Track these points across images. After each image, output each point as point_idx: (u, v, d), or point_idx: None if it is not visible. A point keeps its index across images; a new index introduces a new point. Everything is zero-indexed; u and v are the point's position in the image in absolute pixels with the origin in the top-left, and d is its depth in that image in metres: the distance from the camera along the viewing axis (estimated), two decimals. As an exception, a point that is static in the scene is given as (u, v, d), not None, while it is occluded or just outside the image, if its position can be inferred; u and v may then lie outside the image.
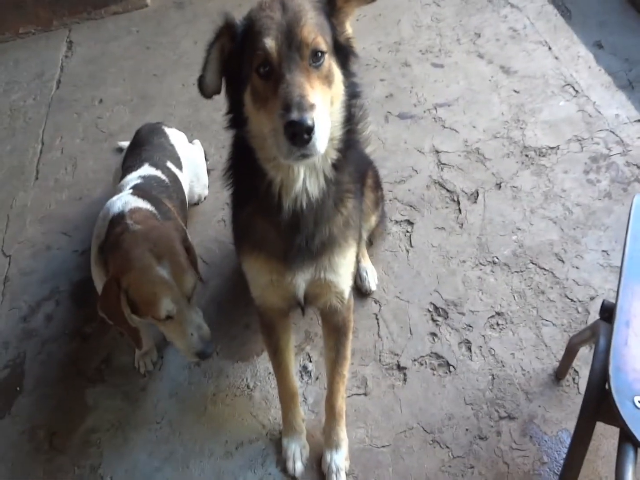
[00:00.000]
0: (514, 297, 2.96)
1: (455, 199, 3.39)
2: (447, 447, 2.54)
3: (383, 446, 2.55)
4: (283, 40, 1.61)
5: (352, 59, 1.82)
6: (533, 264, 3.06)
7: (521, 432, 2.55)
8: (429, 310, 2.95)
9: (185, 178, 3.17)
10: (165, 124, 3.38)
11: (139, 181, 2.82)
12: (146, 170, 2.92)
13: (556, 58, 4.11)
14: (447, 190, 3.44)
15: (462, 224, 3.27)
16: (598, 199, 3.29)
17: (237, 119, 1.82)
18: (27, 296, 3.28)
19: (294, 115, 1.51)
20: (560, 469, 2.42)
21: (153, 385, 2.81)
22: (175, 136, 3.31)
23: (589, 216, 3.22)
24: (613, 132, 3.59)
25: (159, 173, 2.92)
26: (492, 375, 2.72)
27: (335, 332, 2.37)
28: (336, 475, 2.43)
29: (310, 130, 1.53)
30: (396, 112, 3.92)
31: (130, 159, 3.06)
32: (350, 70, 1.81)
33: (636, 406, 1.58)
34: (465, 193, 3.41)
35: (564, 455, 2.43)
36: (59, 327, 3.10)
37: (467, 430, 2.58)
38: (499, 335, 2.84)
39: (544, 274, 3.02)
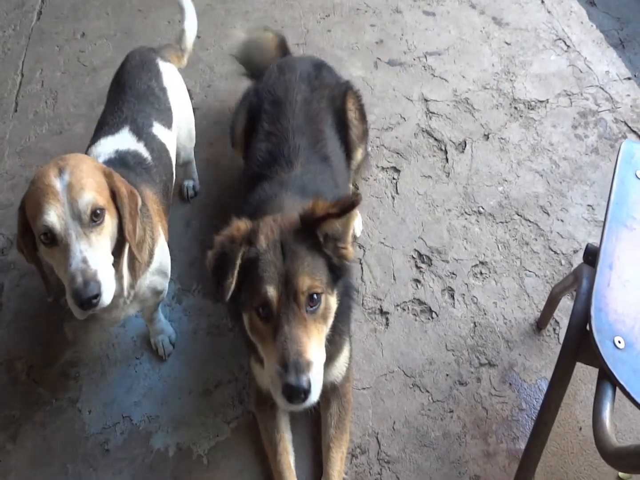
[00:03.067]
0: (498, 247, 2.95)
1: (443, 148, 3.36)
2: (427, 391, 2.56)
3: (364, 388, 2.56)
4: (282, 289, 1.72)
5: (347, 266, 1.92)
6: (518, 215, 3.06)
7: (501, 379, 2.57)
8: (413, 257, 2.94)
9: (173, 138, 2.71)
10: (160, 55, 2.84)
11: (112, 157, 2.33)
12: (124, 140, 2.42)
13: (549, 12, 4.07)
14: (435, 139, 3.41)
15: (448, 173, 3.25)
16: (585, 154, 3.29)
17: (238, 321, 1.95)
18: (4, 229, 3.19)
19: (292, 379, 1.63)
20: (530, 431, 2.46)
21: (133, 321, 2.77)
22: (170, 76, 2.79)
23: (576, 170, 3.22)
24: (602, 89, 3.58)
25: (140, 147, 2.43)
26: (474, 322, 2.73)
27: (335, 406, 2.37)
28: None
29: (306, 392, 1.65)
30: (386, 59, 3.86)
31: (109, 108, 2.60)
32: (344, 274, 1.92)
33: (616, 346, 1.59)
34: (453, 142, 3.38)
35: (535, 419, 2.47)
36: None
37: (447, 375, 2.59)
38: (482, 284, 2.84)
39: (529, 226, 3.02)
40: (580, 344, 1.79)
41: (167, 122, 2.66)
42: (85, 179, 1.85)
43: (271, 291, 1.71)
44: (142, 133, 2.48)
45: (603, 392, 1.60)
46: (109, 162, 2.26)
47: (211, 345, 2.74)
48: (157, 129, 2.57)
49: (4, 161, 3.51)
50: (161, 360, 2.70)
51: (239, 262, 1.77)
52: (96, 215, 1.84)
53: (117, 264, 2.00)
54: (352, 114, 2.87)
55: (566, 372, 1.87)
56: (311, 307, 1.75)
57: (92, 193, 1.84)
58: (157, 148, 2.52)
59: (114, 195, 1.95)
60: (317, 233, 1.81)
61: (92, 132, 3.36)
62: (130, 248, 2.01)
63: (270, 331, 1.74)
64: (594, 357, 1.63)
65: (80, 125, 3.63)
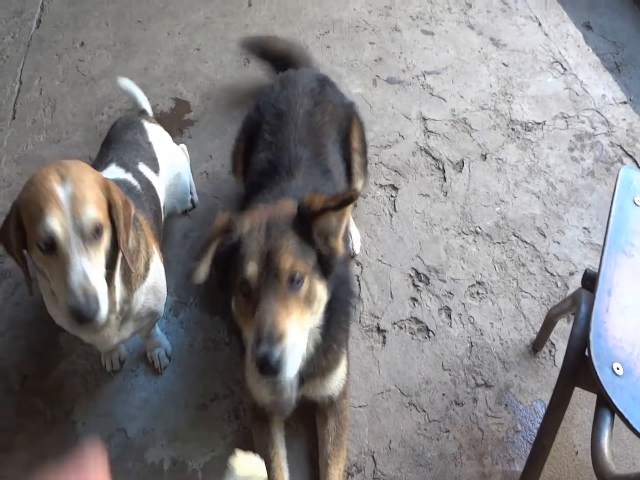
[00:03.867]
0: (495, 267, 2.97)
1: (441, 167, 3.38)
2: (424, 410, 2.56)
3: (360, 406, 2.56)
4: (263, 266, 1.72)
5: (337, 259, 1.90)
6: (515, 236, 3.08)
7: (497, 400, 2.58)
8: (411, 275, 2.95)
9: (161, 183, 2.72)
10: (146, 118, 2.97)
11: None
12: (113, 172, 2.45)
13: (546, 34, 4.11)
14: (433, 158, 3.42)
15: (446, 192, 3.27)
16: (581, 176, 3.31)
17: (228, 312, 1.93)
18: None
19: (263, 349, 1.62)
20: (533, 437, 2.46)
21: (129, 333, 2.75)
22: (155, 133, 2.87)
23: (572, 193, 3.25)
24: (599, 112, 3.61)
25: (129, 177, 2.46)
26: (471, 342, 2.73)
27: (332, 422, 2.37)
28: None
29: (277, 363, 1.63)
30: (384, 77, 3.88)
31: (98, 158, 2.66)
32: (334, 267, 1.89)
33: (615, 372, 1.60)
34: (451, 162, 3.40)
35: (538, 425, 2.47)
36: (33, 270, 3.01)
37: (443, 395, 2.60)
38: (479, 304, 2.85)
39: (525, 247, 3.04)
40: (579, 369, 1.80)
41: (154, 168, 2.69)
42: (87, 192, 1.83)
43: (252, 266, 1.72)
44: (128, 167, 2.51)
45: (601, 419, 1.61)
46: None
47: (207, 359, 2.73)
48: (143, 168, 2.60)
49: (0, 168, 3.50)
50: (157, 373, 2.69)
51: (211, 249, 1.79)
52: (97, 231, 1.83)
53: (110, 276, 1.98)
54: (355, 145, 2.88)
55: (564, 397, 1.88)
56: (293, 286, 1.74)
57: (95, 209, 1.83)
58: (145, 182, 2.54)
59: (109, 206, 1.93)
60: (312, 226, 1.81)
61: (90, 142, 3.40)
62: (124, 258, 1.99)
63: (250, 308, 1.73)
64: (592, 382, 1.64)
65: (79, 134, 3.63)
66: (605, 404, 1.61)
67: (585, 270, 2.01)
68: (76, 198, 1.79)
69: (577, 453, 2.31)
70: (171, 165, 2.87)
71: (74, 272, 1.75)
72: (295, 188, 2.33)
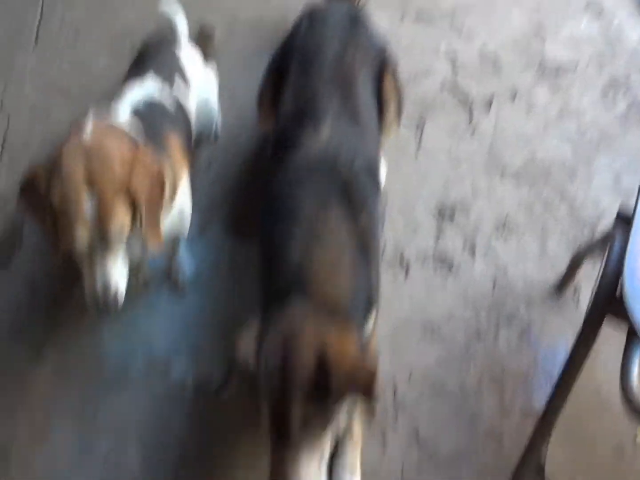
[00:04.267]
0: (521, 208, 2.94)
1: (468, 106, 3.31)
2: (445, 344, 2.57)
3: (382, 336, 2.55)
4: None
5: None
6: (543, 178, 3.04)
7: (519, 337, 2.59)
8: (435, 212, 2.93)
9: (192, 104, 2.65)
10: (179, 35, 2.86)
11: (139, 108, 2.22)
12: (151, 82, 2.36)
13: (581, -25, 3.99)
14: (461, 96, 3.36)
15: (473, 131, 3.22)
16: (614, 121, 3.25)
17: None
18: (27, 161, 3.15)
19: None
20: (553, 375, 2.46)
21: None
22: (188, 52, 2.80)
23: (603, 138, 3.19)
24: (634, 56, 3.52)
25: (164, 93, 2.37)
26: (494, 280, 2.73)
27: None
28: None
29: None
30: (413, 12, 3.77)
31: (134, 69, 2.58)
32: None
33: None
34: (479, 101, 3.33)
35: (559, 363, 2.46)
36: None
37: (466, 330, 2.61)
38: (504, 243, 2.84)
39: (553, 190, 3.00)
40: (609, 305, 1.78)
41: (186, 88, 2.62)
42: (114, 201, 1.80)
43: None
44: (166, 77, 2.46)
45: (631, 352, 1.60)
46: (136, 114, 2.18)
47: (231, 281, 2.75)
48: (179, 84, 2.54)
49: (25, 94, 3.46)
50: (181, 293, 2.72)
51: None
52: (120, 234, 1.85)
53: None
54: (389, 96, 2.73)
55: (592, 333, 1.86)
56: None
57: (121, 220, 1.83)
58: (178, 103, 2.48)
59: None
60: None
61: (115, 68, 3.33)
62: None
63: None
64: (622, 319, 1.63)
65: (102, 61, 3.55)
66: (636, 336, 1.60)
67: (619, 208, 1.97)
68: (102, 212, 1.78)
69: (599, 391, 2.32)
70: (201, 86, 2.81)
71: (96, 279, 1.84)
72: (323, 148, 2.20)
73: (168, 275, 2.74)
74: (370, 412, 1.71)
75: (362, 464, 2.29)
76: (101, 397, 2.51)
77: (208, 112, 2.97)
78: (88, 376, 2.56)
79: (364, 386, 1.65)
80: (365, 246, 2.07)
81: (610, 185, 3.01)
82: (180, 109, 2.50)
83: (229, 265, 2.80)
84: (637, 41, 3.59)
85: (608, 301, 1.78)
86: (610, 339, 2.40)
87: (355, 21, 2.73)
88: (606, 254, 1.88)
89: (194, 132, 2.68)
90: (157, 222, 2.01)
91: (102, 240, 1.80)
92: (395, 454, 2.38)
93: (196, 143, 2.87)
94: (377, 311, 2.13)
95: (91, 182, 1.78)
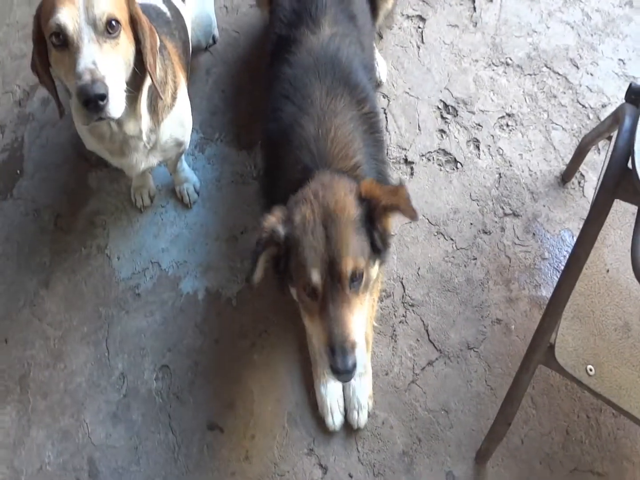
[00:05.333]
0: (526, 99, 2.89)
1: (471, -3, 3.23)
2: (452, 239, 2.59)
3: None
4: (326, 273, 1.73)
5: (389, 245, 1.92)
6: (547, 67, 2.97)
7: (524, 229, 2.59)
8: (439, 107, 2.89)
9: (188, 14, 2.65)
10: None
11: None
12: None
13: None
14: (463, -13, 3.26)
15: (476, 23, 3.13)
16: (619, 6, 3.14)
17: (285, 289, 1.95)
18: (20, 80, 3.16)
19: (339, 364, 1.72)
20: (560, 265, 2.49)
21: (157, 170, 2.75)
22: None
23: (608, 23, 3.10)
24: (640, -60, 3.39)
25: (159, 2, 2.37)
26: (499, 173, 2.71)
27: None
28: (358, 412, 2.31)
29: (352, 369, 1.74)
30: None
31: None
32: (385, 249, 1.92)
33: None
34: (481, -9, 3.24)
35: (565, 253, 2.49)
36: (56, 112, 3.00)
37: (471, 224, 2.61)
38: (508, 135, 2.80)
39: (557, 79, 2.94)
40: (620, 182, 1.77)
41: None
42: None
43: (315, 276, 1.73)
44: None
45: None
46: None
47: (235, 193, 2.76)
48: None
49: (13, 11, 3.41)
50: (186, 208, 2.74)
51: (262, 259, 1.84)
52: (111, 27, 1.77)
53: (134, 100, 1.97)
54: None
55: (604, 208, 1.85)
56: (353, 283, 1.76)
57: (111, 3, 1.78)
58: (174, 9, 2.46)
59: (133, 23, 1.88)
60: (376, 217, 1.81)
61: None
62: (152, 84, 1.96)
63: (316, 308, 1.78)
64: (634, 193, 1.62)
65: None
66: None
67: (630, 84, 1.92)
68: None
69: (608, 271, 2.32)
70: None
71: (82, 57, 1.71)
72: (322, 47, 2.22)
73: (175, 191, 2.77)
74: (412, 216, 1.79)
75: (373, 364, 2.37)
76: (113, 317, 2.58)
77: (205, 19, 2.92)
78: (99, 297, 2.62)
79: (399, 198, 1.78)
80: (372, 130, 2.15)
81: (615, 71, 2.94)
82: (178, 16, 2.47)
83: (231, 178, 2.81)
84: None
85: (619, 175, 1.77)
86: (616, 224, 2.43)
87: None
88: (617, 129, 1.86)
89: (191, 40, 2.65)
90: (157, 67, 1.98)
91: (90, 23, 1.74)
92: (406, 351, 2.43)
93: (194, 50, 2.84)
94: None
95: None
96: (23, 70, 3.18)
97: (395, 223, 2.58)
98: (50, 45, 1.77)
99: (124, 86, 1.85)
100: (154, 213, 2.74)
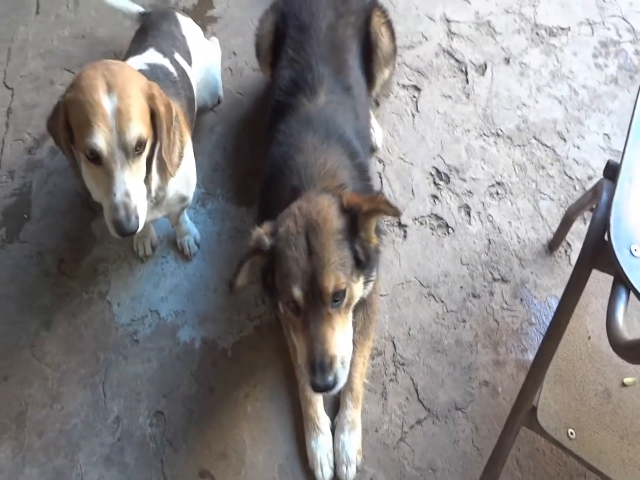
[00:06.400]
0: (515, 169, 3.03)
1: (463, 69, 3.39)
2: (442, 301, 2.68)
3: (381, 295, 2.67)
4: (308, 289, 1.80)
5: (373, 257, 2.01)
6: (535, 139, 3.12)
7: (512, 294, 2.69)
8: (432, 174, 3.02)
9: (194, 76, 2.78)
10: (179, 11, 3.03)
11: (144, 68, 2.36)
12: (152, 56, 2.50)
13: (572, -61, 4.02)
14: (456, 60, 3.43)
15: (468, 95, 3.29)
16: (604, 83, 3.32)
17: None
18: (31, 129, 3.27)
19: (318, 381, 1.80)
20: (545, 332, 2.57)
21: (159, 221, 2.84)
22: (189, 27, 2.93)
23: (594, 99, 3.26)
24: (625, 20, 3.58)
25: (166, 63, 2.51)
26: (489, 239, 2.82)
27: (360, 314, 2.47)
28: (347, 467, 2.33)
29: (332, 385, 1.82)
30: (409, -23, 3.83)
31: (134, 44, 2.70)
32: (369, 265, 1.99)
33: (632, 254, 1.67)
34: (474, 64, 3.40)
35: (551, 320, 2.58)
36: (63, 161, 3.09)
37: (461, 287, 2.71)
38: (498, 203, 2.93)
39: (545, 150, 3.09)
40: (598, 252, 1.88)
41: (187, 59, 2.74)
42: (133, 107, 1.88)
43: (296, 291, 1.80)
44: (166, 53, 2.56)
45: (617, 295, 1.69)
46: (141, 73, 2.23)
47: (234, 247, 2.85)
48: (179, 57, 2.64)
49: (27, 63, 3.55)
50: (186, 259, 2.83)
51: (246, 267, 1.95)
52: (139, 145, 1.91)
53: (148, 169, 2.08)
54: (378, 30, 2.85)
55: (582, 279, 1.96)
56: (335, 302, 1.84)
57: (140, 125, 1.90)
58: (181, 70, 2.59)
59: (152, 114, 2.00)
60: (359, 226, 1.90)
61: (115, 38, 3.41)
62: (162, 160, 2.09)
63: (299, 324, 1.86)
64: (609, 264, 1.71)
65: (103, 30, 3.64)
66: (621, 282, 1.69)
67: (608, 162, 2.06)
68: (122, 113, 1.85)
69: (589, 338, 2.41)
70: (203, 60, 2.93)
71: (117, 189, 1.87)
72: (318, 112, 2.39)
73: (176, 243, 2.86)
74: (395, 212, 1.87)
75: (363, 420, 2.43)
76: (112, 361, 2.63)
77: (211, 81, 3.07)
78: (98, 341, 2.68)
79: (379, 202, 1.86)
80: (362, 178, 2.30)
81: (600, 145, 3.10)
82: (184, 75, 2.60)
83: (230, 233, 2.91)
84: (628, 3, 3.63)
85: (597, 245, 1.87)
86: (598, 293, 2.53)
87: None
88: (596, 204, 1.98)
89: (197, 100, 2.79)
90: (174, 148, 2.13)
91: (122, 148, 1.87)
92: (395, 409, 2.49)
93: (199, 110, 2.96)
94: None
95: (111, 87, 1.86)
96: (34, 119, 3.30)
97: (388, 284, 2.68)
98: (81, 152, 1.90)
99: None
100: (155, 263, 2.83)
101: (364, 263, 1.92)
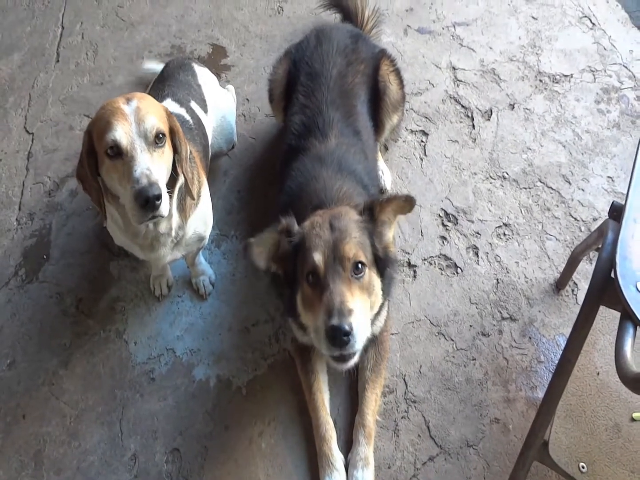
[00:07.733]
0: (521, 211, 3.10)
1: (470, 115, 3.49)
2: (452, 339, 2.73)
3: (392, 334, 2.72)
4: (329, 255, 1.92)
5: (391, 265, 2.12)
6: (541, 182, 3.20)
7: (521, 332, 2.74)
8: (440, 216, 3.09)
9: (209, 123, 2.92)
10: (196, 62, 3.15)
11: None
12: (168, 105, 2.58)
13: (575, -11, 4.16)
14: (462, 106, 3.53)
15: (475, 139, 3.39)
16: (607, 128, 3.42)
17: (292, 309, 2.10)
18: (51, 172, 3.39)
19: (334, 320, 1.80)
20: (555, 368, 2.62)
21: (174, 264, 2.91)
22: (205, 76, 3.07)
23: (597, 143, 3.35)
24: (626, 67, 3.69)
25: (182, 112, 2.63)
26: (497, 279, 2.89)
27: (371, 351, 2.55)
28: None
29: (348, 333, 1.80)
30: (415, 27, 3.96)
31: (152, 93, 2.79)
32: (389, 275, 2.14)
33: (638, 290, 1.72)
34: (480, 110, 3.51)
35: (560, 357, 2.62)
36: (82, 203, 3.20)
37: (470, 326, 2.76)
38: (505, 244, 3.00)
39: (551, 193, 3.16)
40: (605, 290, 1.93)
41: (203, 108, 2.87)
42: (151, 107, 2.05)
43: (317, 256, 1.91)
44: (182, 103, 2.69)
45: (625, 330, 1.74)
46: None
47: (248, 287, 2.93)
48: (195, 106, 2.77)
49: (48, 109, 3.68)
50: (202, 299, 2.90)
51: (268, 237, 2.04)
52: (159, 139, 2.03)
53: (168, 201, 2.14)
54: (387, 78, 2.97)
55: (590, 316, 2.01)
56: (356, 274, 1.93)
57: (157, 118, 2.03)
58: (196, 118, 2.71)
59: (171, 134, 2.13)
60: (374, 221, 2.05)
61: (132, 84, 3.54)
62: (185, 183, 2.20)
63: (317, 294, 1.91)
64: (616, 301, 1.77)
65: (121, 77, 3.77)
66: (628, 318, 1.74)
67: (613, 202, 2.12)
68: (140, 110, 2.01)
69: (598, 374, 2.45)
70: (218, 107, 3.05)
71: (138, 165, 1.95)
72: (330, 153, 2.51)
73: (191, 283, 2.94)
74: (409, 200, 2.06)
75: (375, 457, 2.46)
76: (128, 399, 2.68)
77: (226, 127, 3.17)
78: (115, 379, 2.73)
79: (394, 196, 2.06)
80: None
81: (604, 187, 3.17)
82: (199, 124, 2.71)
83: (244, 273, 2.99)
84: (628, 51, 3.75)
85: (604, 282, 1.93)
86: (606, 330, 2.58)
87: (357, 38, 2.98)
88: (602, 244, 2.04)
89: (211, 146, 2.90)
90: (192, 168, 2.28)
91: (142, 136, 1.98)
92: (407, 445, 2.52)
93: (216, 155, 3.07)
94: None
95: (130, 98, 2.03)
96: (54, 163, 3.42)
97: (399, 323, 2.73)
98: (104, 156, 2.00)
99: (165, 189, 2.06)
100: (170, 302, 2.90)
101: (383, 262, 2.05)
